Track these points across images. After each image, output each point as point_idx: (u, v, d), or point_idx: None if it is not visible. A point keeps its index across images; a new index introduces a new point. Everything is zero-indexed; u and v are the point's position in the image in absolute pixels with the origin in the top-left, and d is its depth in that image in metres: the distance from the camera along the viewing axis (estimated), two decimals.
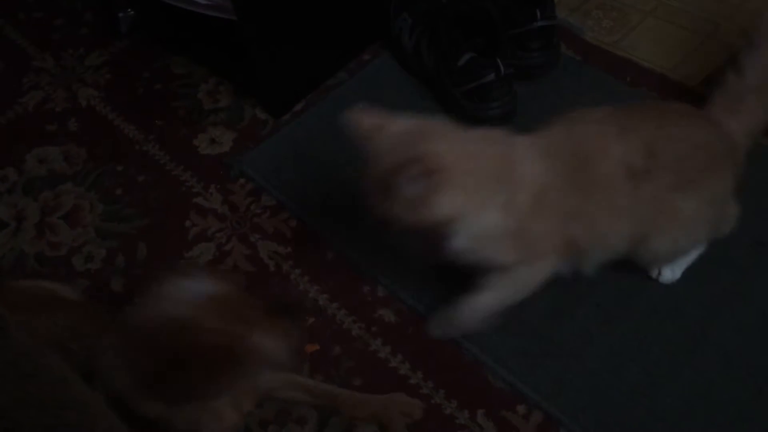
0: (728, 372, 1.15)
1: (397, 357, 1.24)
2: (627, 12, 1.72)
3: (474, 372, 1.20)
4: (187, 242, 1.44)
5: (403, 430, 1.14)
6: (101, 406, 0.88)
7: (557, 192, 1.03)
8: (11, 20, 1.97)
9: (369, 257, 1.36)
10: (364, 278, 1.33)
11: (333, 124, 1.60)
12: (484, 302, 1.12)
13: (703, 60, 1.57)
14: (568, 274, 1.15)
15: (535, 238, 1.04)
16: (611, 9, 1.74)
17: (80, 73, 1.81)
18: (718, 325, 1.19)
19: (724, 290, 1.23)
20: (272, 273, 1.37)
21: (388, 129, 0.99)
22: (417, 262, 1.28)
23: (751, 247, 1.27)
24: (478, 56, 1.46)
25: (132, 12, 1.82)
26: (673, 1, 1.72)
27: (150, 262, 1.43)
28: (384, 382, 1.21)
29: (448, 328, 1.19)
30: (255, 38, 1.49)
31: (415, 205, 0.95)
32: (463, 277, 1.14)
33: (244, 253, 1.40)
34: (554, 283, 1.15)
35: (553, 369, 1.18)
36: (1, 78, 1.82)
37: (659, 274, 1.23)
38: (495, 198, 0.99)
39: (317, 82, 1.69)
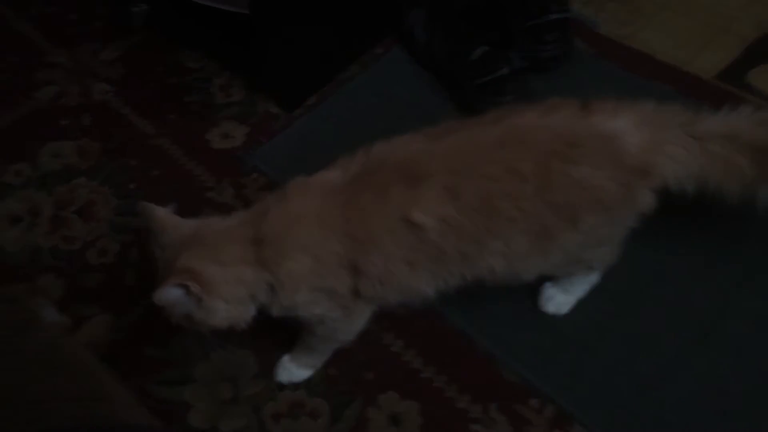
0: (740, 363, 1.14)
1: (409, 351, 1.24)
2: (641, 5, 1.71)
3: (486, 366, 1.20)
4: None
5: (416, 428, 1.14)
6: (129, 399, 0.89)
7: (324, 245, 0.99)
8: (24, 15, 1.98)
9: None
10: None
11: (346, 118, 1.62)
12: (312, 361, 1.20)
13: (719, 53, 1.56)
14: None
15: (330, 289, 1.02)
16: (625, 2, 1.72)
17: (94, 68, 1.82)
18: (729, 317, 1.19)
19: (735, 282, 1.22)
20: None
21: (167, 232, 1.00)
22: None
23: (761, 238, 1.26)
24: (491, 49, 1.46)
25: (145, 6, 1.83)
26: None
27: None
28: (396, 375, 1.21)
29: (287, 375, 1.22)
30: (267, 32, 1.49)
31: (186, 318, 0.98)
32: None
33: None
34: None
35: (565, 362, 1.18)
36: (14, 73, 1.83)
37: (544, 304, 1.23)
38: (261, 288, 0.99)
39: (330, 75, 1.69)
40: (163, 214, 1.01)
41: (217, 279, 0.95)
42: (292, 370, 1.21)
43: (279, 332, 1.28)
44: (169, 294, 0.93)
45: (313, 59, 1.64)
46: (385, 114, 1.61)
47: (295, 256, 0.98)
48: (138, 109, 1.71)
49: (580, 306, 1.22)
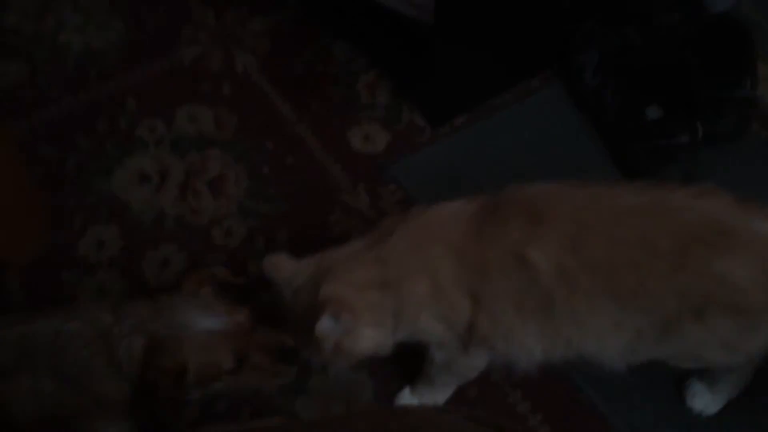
0: None
1: (536, 416, 1.18)
2: None
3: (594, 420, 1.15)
4: (330, 238, 1.39)
5: None
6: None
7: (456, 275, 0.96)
8: None
9: None
10: None
11: (492, 147, 1.55)
12: (433, 396, 1.15)
13: None
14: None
15: (446, 318, 0.98)
16: None
17: (240, 36, 1.77)
18: None
19: None
20: None
21: (298, 275, 1.00)
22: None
23: None
24: (670, 113, 1.37)
25: None
26: None
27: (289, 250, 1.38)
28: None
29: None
30: (442, 42, 1.42)
31: (336, 348, 0.96)
32: None
33: None
34: None
35: None
36: (160, 27, 1.79)
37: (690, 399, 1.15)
38: (390, 311, 0.98)
39: (481, 98, 1.62)
40: (286, 262, 1.02)
41: (358, 303, 0.94)
42: (413, 400, 1.16)
43: (399, 360, 1.23)
44: (323, 326, 0.92)
45: (470, 79, 1.57)
46: (533, 152, 1.54)
47: (417, 279, 0.95)
48: (280, 89, 1.66)
49: (732, 409, 1.13)
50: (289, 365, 1.02)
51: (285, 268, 1.01)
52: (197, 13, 1.83)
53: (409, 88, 1.62)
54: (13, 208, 1.30)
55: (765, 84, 1.60)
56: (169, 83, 1.67)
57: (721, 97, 1.41)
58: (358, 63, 1.71)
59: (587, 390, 1.18)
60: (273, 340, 1.02)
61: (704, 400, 1.13)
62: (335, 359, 0.99)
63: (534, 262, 0.91)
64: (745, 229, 0.91)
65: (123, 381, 0.96)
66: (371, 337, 0.97)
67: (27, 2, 1.77)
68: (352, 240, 1.04)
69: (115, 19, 1.75)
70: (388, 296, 0.96)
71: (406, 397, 1.16)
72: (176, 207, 1.45)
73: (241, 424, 1.13)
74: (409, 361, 1.22)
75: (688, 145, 1.35)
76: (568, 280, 0.91)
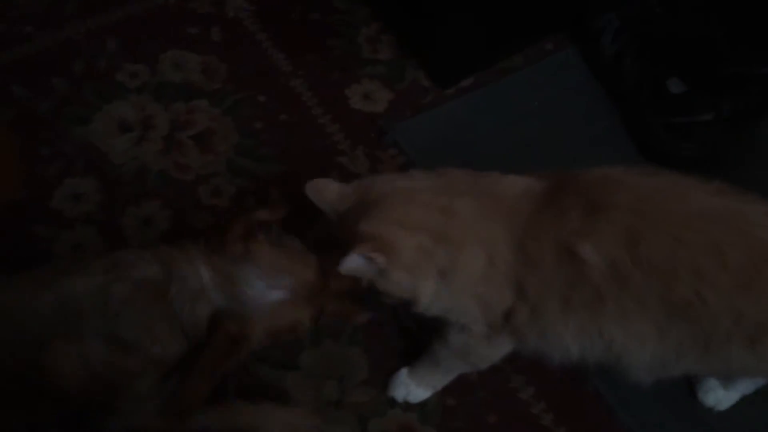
0: None
1: (539, 403, 1.12)
2: None
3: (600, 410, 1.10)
4: None
5: None
6: None
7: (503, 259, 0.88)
8: None
9: None
10: None
11: (500, 112, 1.46)
12: (433, 381, 1.09)
13: None
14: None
15: (487, 301, 0.91)
16: None
17: None
18: None
19: None
20: None
21: (344, 200, 0.94)
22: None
23: None
24: (693, 87, 1.29)
25: None
26: None
27: None
28: (520, 427, 1.09)
29: (404, 391, 1.10)
30: None
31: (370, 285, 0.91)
32: None
33: None
34: None
35: None
36: None
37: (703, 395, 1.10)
38: (438, 266, 0.89)
39: (491, 60, 1.52)
40: (331, 184, 0.96)
41: (402, 243, 0.86)
42: (410, 386, 1.09)
43: (396, 341, 1.17)
44: (353, 263, 0.85)
45: (479, 39, 1.47)
46: (543, 120, 1.46)
47: (478, 251, 0.87)
48: (274, 38, 1.55)
49: (744, 405, 1.09)
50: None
51: (329, 192, 0.94)
52: None
53: (414, 44, 1.52)
54: None
55: None
56: (154, 25, 1.54)
57: (747, 73, 1.33)
58: (359, 13, 1.60)
59: (592, 378, 1.12)
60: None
61: (717, 396, 1.09)
62: (376, 294, 0.92)
63: (584, 256, 0.83)
64: None
65: (184, 343, 0.92)
66: (407, 284, 0.89)
67: None
68: (409, 172, 0.98)
69: None
70: (443, 252, 0.87)
71: (402, 379, 1.09)
72: (160, 161, 1.35)
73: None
74: (408, 339, 1.16)
75: (710, 124, 1.27)
76: (620, 276, 0.83)
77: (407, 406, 1.11)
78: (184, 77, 1.47)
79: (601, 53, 1.45)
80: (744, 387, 1.08)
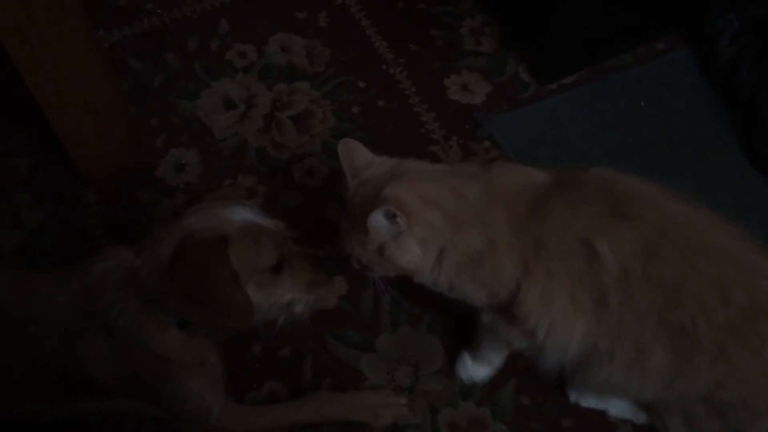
0: None
1: None
2: None
3: None
4: None
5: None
6: None
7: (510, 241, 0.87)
8: None
9: None
10: None
11: (603, 112, 1.41)
12: (485, 355, 1.08)
13: None
14: None
15: (487, 282, 0.90)
16: None
17: None
18: None
19: None
20: None
21: (370, 168, 0.96)
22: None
23: None
24: None
25: None
26: None
27: None
28: None
29: (464, 369, 1.11)
30: None
31: (379, 251, 0.91)
32: None
33: None
34: None
35: None
36: None
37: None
38: (441, 244, 0.90)
39: (598, 57, 1.47)
40: (363, 150, 0.99)
41: (417, 214, 0.88)
42: (467, 363, 1.10)
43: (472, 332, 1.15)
44: (376, 220, 0.87)
45: (589, 34, 1.43)
46: (648, 123, 1.40)
47: (476, 233, 0.88)
48: (380, 25, 1.56)
49: None
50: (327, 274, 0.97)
51: (360, 156, 0.97)
52: None
53: (518, 37, 1.49)
54: (101, 118, 1.26)
55: None
56: (265, 8, 1.59)
57: None
58: (464, 5, 1.59)
59: None
60: (309, 250, 0.96)
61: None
62: (374, 263, 0.93)
63: (601, 253, 0.83)
64: None
65: (176, 328, 0.87)
66: (414, 253, 0.90)
67: None
68: (438, 164, 1.01)
69: None
70: (447, 230, 0.89)
71: (463, 357, 1.10)
72: (259, 138, 1.39)
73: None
74: None
75: None
76: (628, 285, 0.83)
77: (479, 401, 1.09)
78: (289, 59, 1.51)
79: (717, 56, 1.38)
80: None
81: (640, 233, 0.83)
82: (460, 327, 1.15)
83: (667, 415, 0.98)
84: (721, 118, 1.39)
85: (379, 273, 0.97)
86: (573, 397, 1.08)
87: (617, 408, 1.07)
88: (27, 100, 1.13)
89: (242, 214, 0.88)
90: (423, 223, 0.89)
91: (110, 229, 1.28)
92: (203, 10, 1.57)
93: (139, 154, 1.36)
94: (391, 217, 0.86)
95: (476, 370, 1.10)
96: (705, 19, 1.41)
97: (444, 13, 1.58)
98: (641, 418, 1.06)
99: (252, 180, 1.34)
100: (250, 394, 1.11)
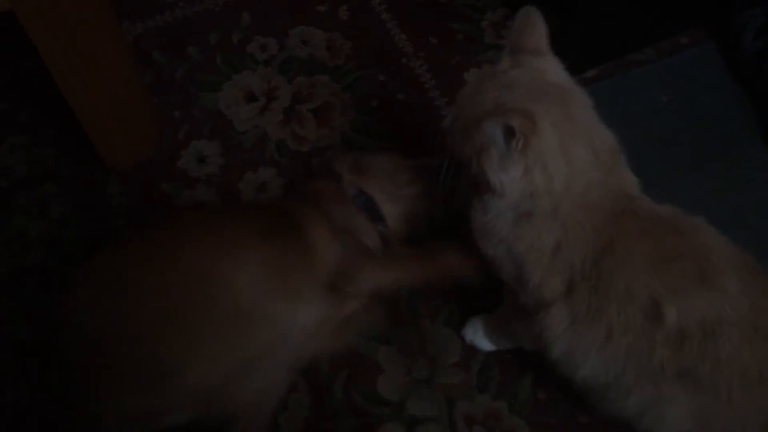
0: None
1: None
2: None
3: None
4: None
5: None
6: None
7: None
8: None
9: None
10: None
11: (625, 107, 1.40)
12: (494, 334, 1.09)
13: None
14: None
15: (527, 268, 0.86)
16: None
17: None
18: None
19: None
20: None
21: (536, 59, 0.85)
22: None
23: None
24: None
25: None
26: None
27: None
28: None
29: (472, 333, 1.11)
30: None
31: (487, 155, 0.81)
32: None
33: None
34: None
35: None
36: None
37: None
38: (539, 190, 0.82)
39: (620, 51, 1.46)
40: (545, 34, 0.88)
41: (545, 144, 0.79)
42: (478, 331, 1.11)
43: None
44: (491, 126, 0.79)
45: (611, 27, 1.41)
46: (671, 119, 1.39)
47: (565, 229, 0.83)
48: (400, 19, 1.56)
49: None
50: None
51: (534, 37, 0.87)
52: None
53: None
54: (126, 110, 1.27)
55: None
56: (286, 1, 1.60)
57: None
58: None
59: None
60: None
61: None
62: (470, 161, 0.84)
63: (665, 315, 0.80)
64: None
65: None
66: (512, 178, 0.81)
67: None
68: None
69: None
70: (553, 190, 0.82)
71: (476, 322, 1.12)
72: (279, 131, 1.40)
73: None
74: None
75: None
76: (680, 348, 0.80)
77: (495, 395, 1.09)
78: (309, 52, 1.51)
79: (742, 51, 1.36)
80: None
81: (717, 307, 0.79)
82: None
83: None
84: (747, 113, 1.37)
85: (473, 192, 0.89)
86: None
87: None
88: (54, 92, 1.15)
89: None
90: (544, 155, 0.80)
91: (133, 220, 1.30)
92: (225, 3, 1.58)
93: (162, 146, 1.38)
94: (513, 130, 0.77)
95: (482, 341, 1.11)
96: (729, 13, 1.39)
97: (465, 6, 1.57)
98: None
99: (272, 172, 1.35)
100: None
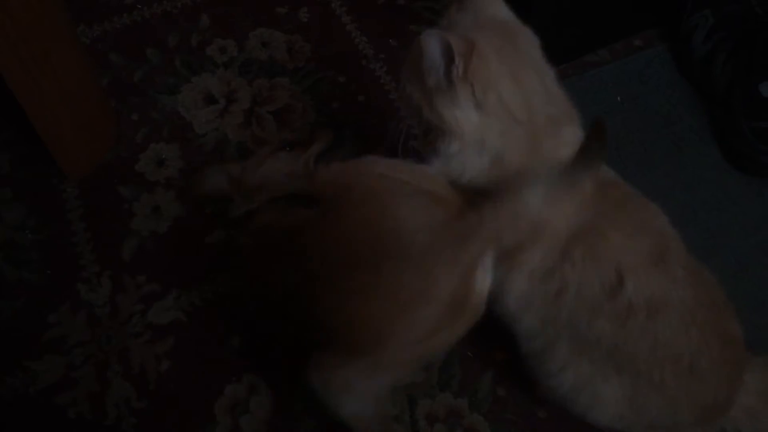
0: None
1: None
2: None
3: None
4: None
5: None
6: None
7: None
8: None
9: None
10: None
11: (581, 107, 1.42)
12: None
13: None
14: None
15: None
16: None
17: None
18: None
19: None
20: None
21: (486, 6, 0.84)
22: None
23: None
24: None
25: None
26: None
27: None
28: (570, 425, 1.07)
29: None
30: None
31: (435, 88, 0.80)
32: None
33: None
34: None
35: None
36: None
37: None
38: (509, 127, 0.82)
39: (575, 53, 1.49)
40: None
41: (492, 74, 0.77)
42: None
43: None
44: (430, 42, 0.76)
45: (566, 30, 1.44)
46: (625, 119, 1.42)
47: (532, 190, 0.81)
48: (360, 21, 1.57)
49: None
50: None
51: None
52: None
53: None
54: (82, 114, 1.26)
55: None
56: (246, 3, 1.60)
57: None
58: (444, 0, 1.59)
59: None
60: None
61: None
62: (423, 109, 0.83)
63: (627, 288, 0.82)
64: None
65: None
66: (465, 113, 0.80)
67: None
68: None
69: None
70: (517, 131, 0.82)
71: None
72: (239, 133, 1.40)
73: None
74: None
75: None
76: (623, 325, 0.82)
77: (457, 393, 1.11)
78: (269, 55, 1.51)
79: (692, 53, 1.40)
80: None
81: (665, 291, 0.82)
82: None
83: None
84: (698, 113, 1.41)
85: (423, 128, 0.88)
86: None
87: None
88: (8, 95, 1.13)
89: None
90: (487, 88, 0.78)
91: (91, 224, 1.28)
92: (184, 5, 1.57)
93: (120, 149, 1.36)
94: (447, 48, 0.75)
95: None
96: (681, 15, 1.43)
97: (424, 8, 1.59)
98: None
99: None
100: (230, 387, 1.12)
